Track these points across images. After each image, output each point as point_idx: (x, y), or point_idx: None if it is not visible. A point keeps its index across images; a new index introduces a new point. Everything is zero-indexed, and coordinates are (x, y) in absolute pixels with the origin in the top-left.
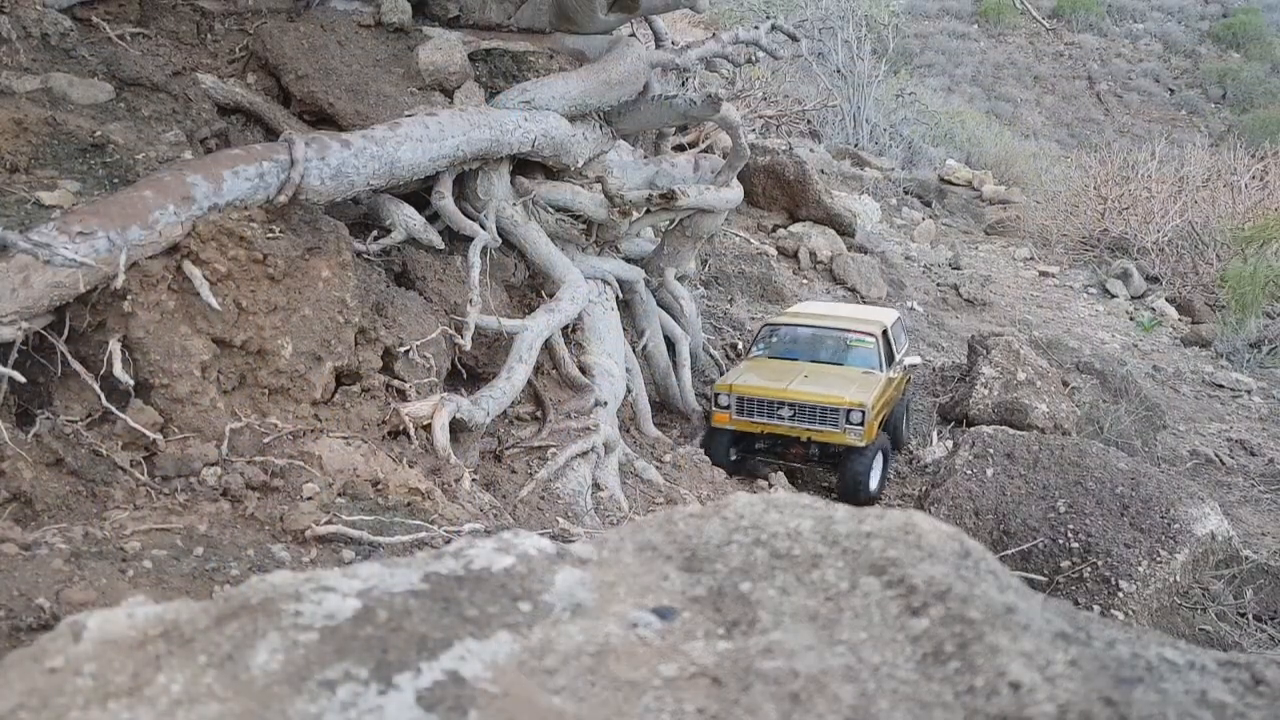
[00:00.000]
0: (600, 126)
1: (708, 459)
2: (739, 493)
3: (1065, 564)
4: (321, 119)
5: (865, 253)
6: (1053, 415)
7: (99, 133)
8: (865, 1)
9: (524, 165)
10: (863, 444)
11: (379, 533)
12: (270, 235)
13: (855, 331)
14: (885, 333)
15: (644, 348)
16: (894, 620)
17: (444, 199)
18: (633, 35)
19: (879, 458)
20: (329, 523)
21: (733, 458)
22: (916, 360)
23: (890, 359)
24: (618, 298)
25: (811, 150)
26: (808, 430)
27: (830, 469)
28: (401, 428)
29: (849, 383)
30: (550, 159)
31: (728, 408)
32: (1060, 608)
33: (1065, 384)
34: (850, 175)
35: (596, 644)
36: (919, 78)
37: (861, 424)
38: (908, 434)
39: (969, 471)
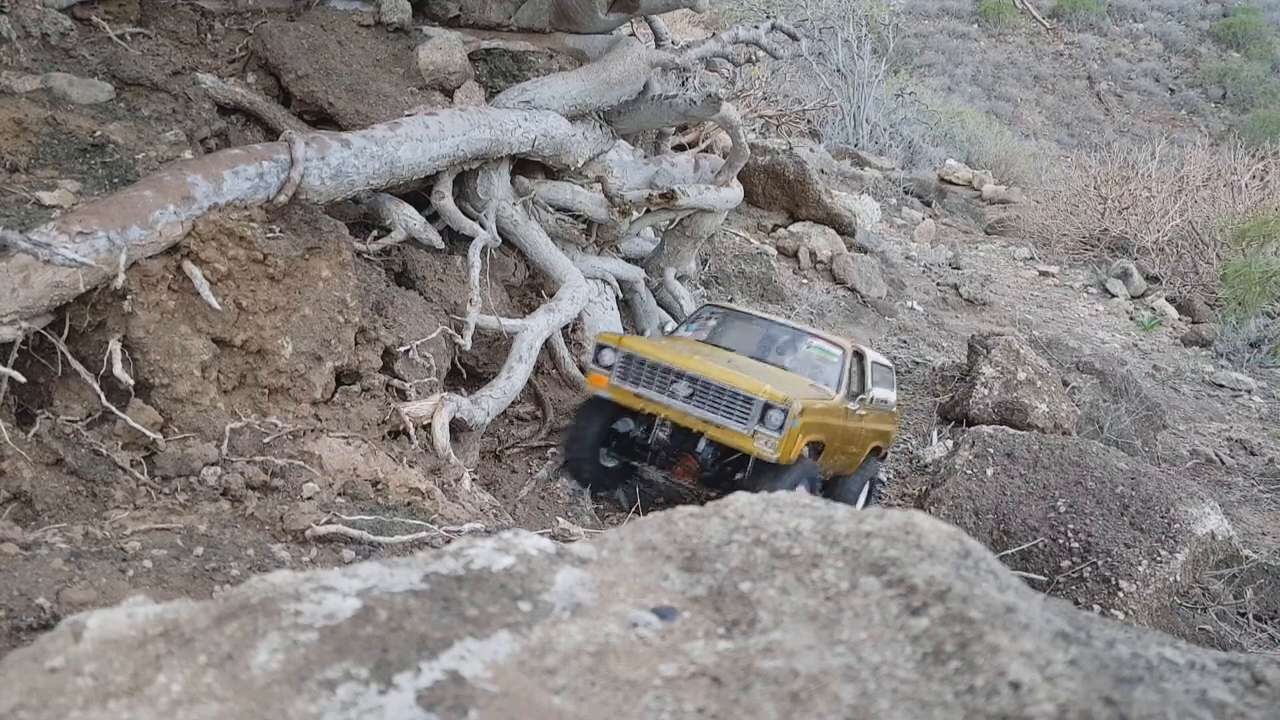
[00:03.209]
0: (600, 126)
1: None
2: (739, 492)
3: (1065, 564)
4: (321, 119)
5: (865, 252)
6: (1053, 415)
7: (99, 133)
8: (865, 1)
9: (524, 165)
10: (775, 459)
11: (379, 532)
12: (270, 235)
13: (819, 338)
14: (861, 355)
15: None
16: (894, 620)
17: (444, 199)
18: (633, 35)
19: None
20: (329, 522)
21: (607, 463)
22: (891, 396)
23: (859, 390)
24: (618, 297)
25: (811, 150)
26: (705, 423)
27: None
28: (401, 427)
29: (783, 382)
30: (550, 159)
31: (610, 368)
32: (1060, 607)
33: (1065, 384)
34: (850, 175)
35: (596, 644)
36: (919, 77)
37: (780, 430)
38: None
39: (969, 471)
